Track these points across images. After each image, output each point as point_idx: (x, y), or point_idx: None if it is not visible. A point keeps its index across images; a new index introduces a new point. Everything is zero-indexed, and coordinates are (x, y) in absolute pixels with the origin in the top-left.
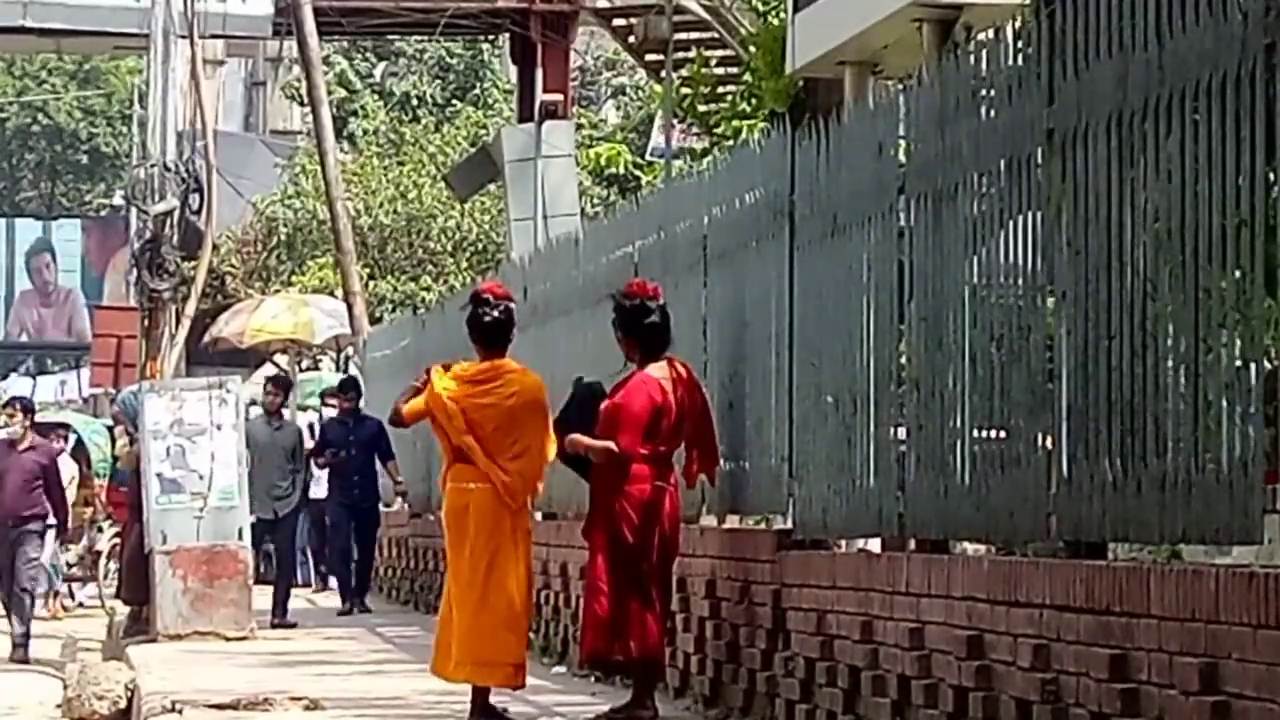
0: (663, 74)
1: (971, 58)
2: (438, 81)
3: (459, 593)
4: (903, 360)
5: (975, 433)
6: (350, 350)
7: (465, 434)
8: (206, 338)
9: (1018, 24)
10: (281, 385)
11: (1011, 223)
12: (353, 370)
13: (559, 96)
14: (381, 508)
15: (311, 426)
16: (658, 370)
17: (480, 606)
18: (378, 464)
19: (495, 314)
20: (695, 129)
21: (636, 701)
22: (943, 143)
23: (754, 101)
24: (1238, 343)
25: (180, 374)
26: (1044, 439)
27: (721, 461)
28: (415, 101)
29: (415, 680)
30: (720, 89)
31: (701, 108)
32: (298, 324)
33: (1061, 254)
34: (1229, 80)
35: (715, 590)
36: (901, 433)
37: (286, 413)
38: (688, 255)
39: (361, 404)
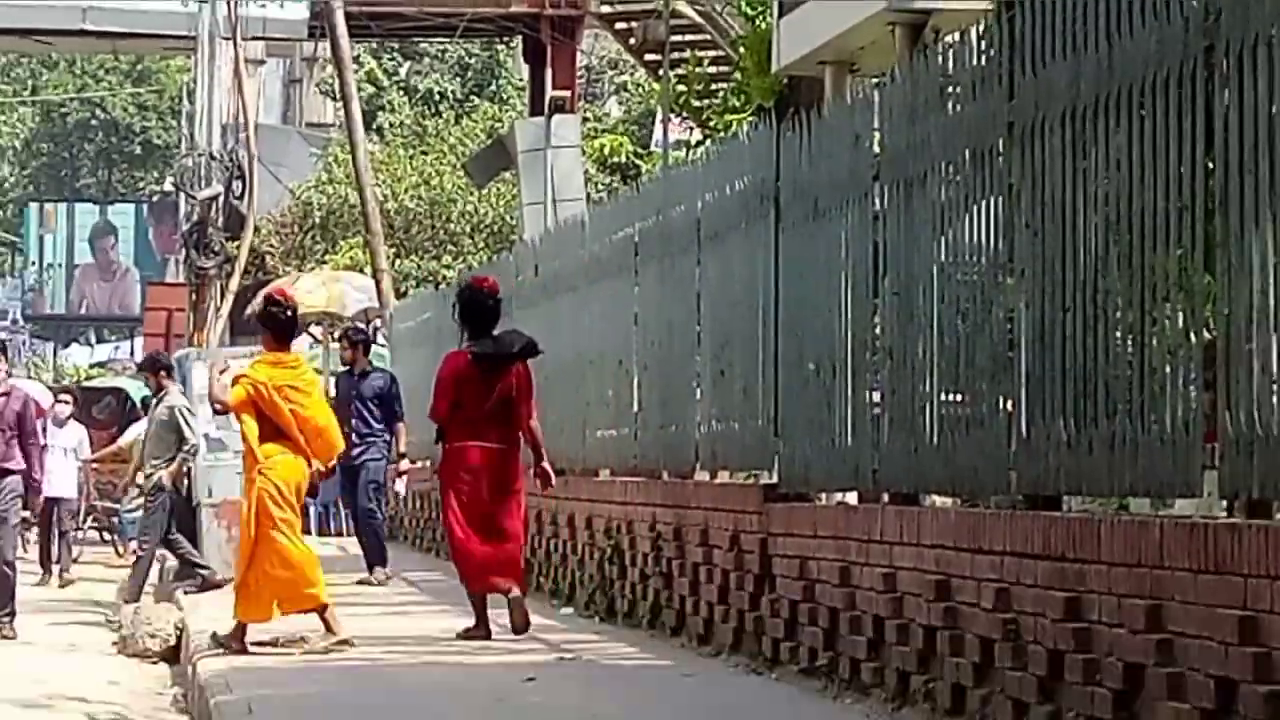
0: (661, 72)
1: (939, 57)
2: (457, 79)
3: (293, 545)
4: (877, 331)
5: (942, 396)
6: (378, 322)
7: (283, 414)
8: (248, 311)
9: (981, 27)
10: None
11: (975, 207)
12: (380, 338)
13: (567, 93)
14: (387, 466)
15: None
16: (470, 347)
17: (305, 553)
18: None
19: (288, 313)
20: (690, 123)
21: (478, 621)
22: (913, 134)
23: (743, 97)
24: (1180, 315)
25: (224, 343)
26: (1005, 402)
27: (713, 423)
28: (437, 97)
29: (438, 620)
30: (713, 86)
31: (696, 103)
32: (330, 298)
33: (1021, 235)
34: (1172, 79)
35: (708, 539)
36: (876, 396)
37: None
38: (683, 236)
39: (373, 357)
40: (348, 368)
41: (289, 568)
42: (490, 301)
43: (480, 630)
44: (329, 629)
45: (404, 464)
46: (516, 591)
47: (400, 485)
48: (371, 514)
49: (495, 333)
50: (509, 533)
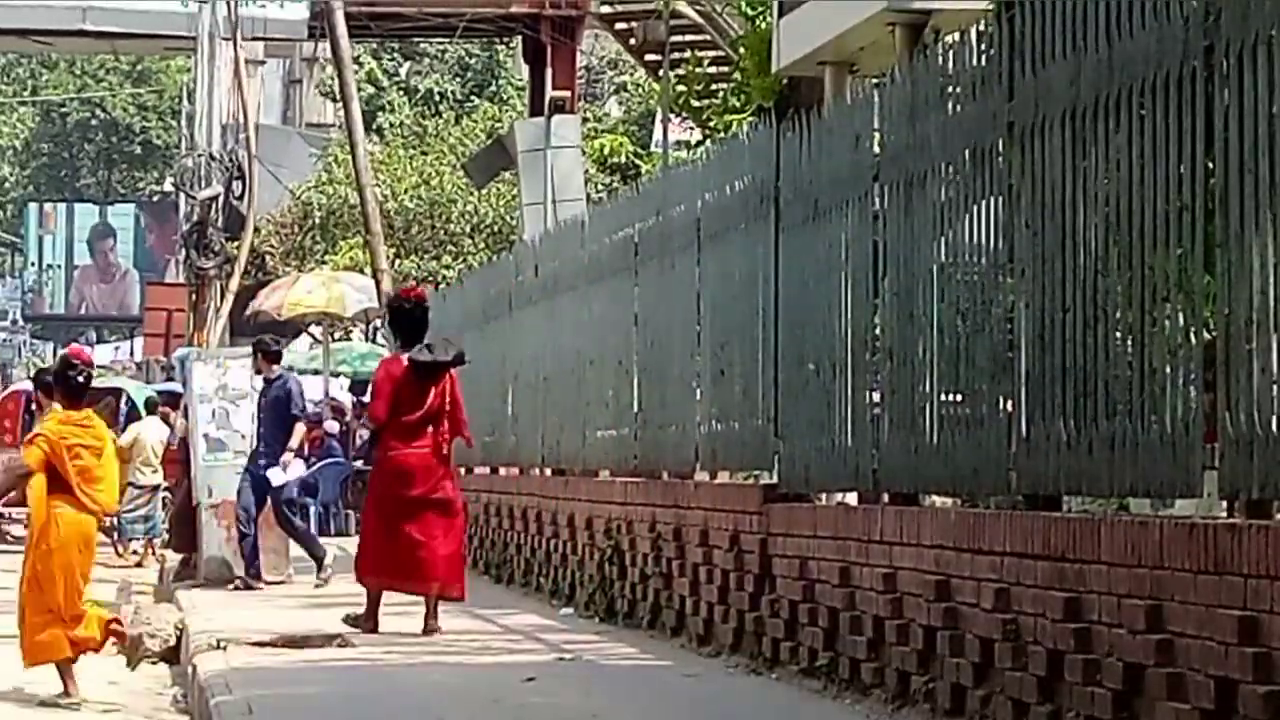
0: (660, 73)
1: (939, 58)
2: (457, 79)
3: (61, 595)
4: (877, 331)
5: (942, 396)
6: (378, 322)
7: (69, 471)
8: (248, 311)
9: (981, 27)
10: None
11: (975, 207)
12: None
13: (567, 93)
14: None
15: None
16: (407, 354)
17: (69, 606)
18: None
19: (82, 376)
20: (690, 123)
21: (368, 614)
22: (913, 134)
23: (743, 98)
24: (1180, 315)
25: (224, 344)
26: (1005, 402)
27: (713, 423)
28: (437, 97)
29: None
30: (713, 86)
31: (696, 104)
32: (330, 298)
33: (1020, 235)
34: (1172, 79)
35: (708, 539)
36: (876, 396)
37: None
38: (683, 236)
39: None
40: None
41: (42, 614)
42: (418, 311)
43: (370, 624)
44: (64, 682)
45: (285, 456)
46: (436, 591)
47: (273, 473)
48: (247, 520)
49: (427, 341)
50: (439, 536)
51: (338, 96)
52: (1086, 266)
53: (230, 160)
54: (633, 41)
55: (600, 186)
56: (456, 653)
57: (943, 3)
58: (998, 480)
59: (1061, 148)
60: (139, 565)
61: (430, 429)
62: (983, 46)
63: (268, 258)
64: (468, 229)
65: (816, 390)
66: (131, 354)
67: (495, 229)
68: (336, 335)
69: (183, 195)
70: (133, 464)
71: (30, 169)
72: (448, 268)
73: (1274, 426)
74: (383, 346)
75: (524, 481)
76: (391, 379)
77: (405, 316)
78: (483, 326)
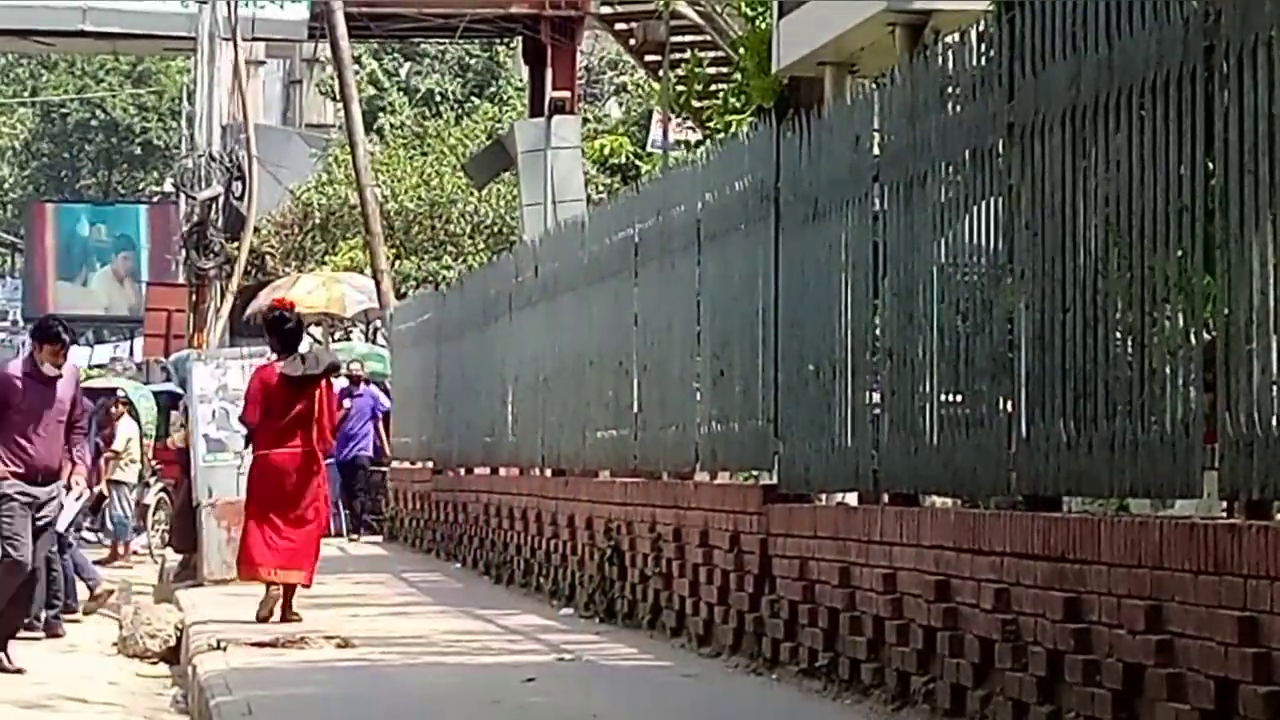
0: (660, 73)
1: (939, 58)
2: (458, 80)
3: None
4: (877, 332)
5: (942, 396)
6: (378, 323)
7: None
8: (248, 311)
9: (981, 28)
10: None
11: (975, 208)
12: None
13: (567, 94)
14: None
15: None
16: (280, 363)
17: None
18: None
19: None
20: (690, 123)
21: (264, 605)
22: (913, 135)
23: (743, 98)
24: (1180, 316)
25: (224, 344)
26: (1004, 403)
27: (713, 423)
28: (437, 98)
29: (436, 620)
30: (712, 87)
31: (696, 104)
32: (330, 299)
33: (1020, 236)
34: (1172, 79)
35: (708, 540)
36: (876, 397)
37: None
38: (683, 237)
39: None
40: None
41: None
42: (289, 322)
43: (266, 611)
44: None
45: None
46: (296, 579)
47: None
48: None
49: (302, 351)
50: (311, 523)
51: (338, 97)
52: (1086, 267)
53: (230, 161)
54: (633, 42)
55: (600, 187)
56: (456, 653)
57: (943, 3)
58: (998, 480)
59: (1061, 148)
60: (113, 560)
61: (300, 433)
62: (983, 47)
63: (268, 258)
64: (468, 229)
65: (816, 390)
66: (131, 354)
67: (495, 229)
68: (336, 336)
69: (183, 196)
70: (129, 465)
71: (30, 169)
72: (448, 268)
73: (1274, 426)
74: (383, 347)
75: (524, 482)
76: (263, 386)
77: (277, 326)
78: (483, 326)
